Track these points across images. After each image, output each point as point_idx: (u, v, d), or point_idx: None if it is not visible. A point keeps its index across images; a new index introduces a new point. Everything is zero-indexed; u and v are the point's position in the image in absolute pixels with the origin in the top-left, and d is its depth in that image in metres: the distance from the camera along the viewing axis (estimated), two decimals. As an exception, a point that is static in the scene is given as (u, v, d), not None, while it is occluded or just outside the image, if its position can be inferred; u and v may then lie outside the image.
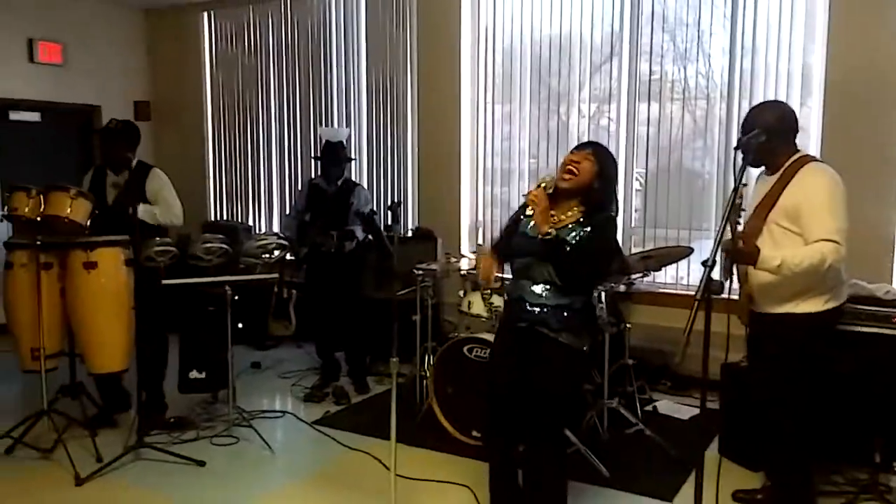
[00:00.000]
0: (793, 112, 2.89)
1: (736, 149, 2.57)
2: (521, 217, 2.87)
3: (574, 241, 2.69)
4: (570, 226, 2.73)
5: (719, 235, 2.21)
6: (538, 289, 2.75)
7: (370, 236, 4.70)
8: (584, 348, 2.78)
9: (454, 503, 3.20)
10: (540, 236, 2.68)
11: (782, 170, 2.81)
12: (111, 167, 4.07)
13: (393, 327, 3.00)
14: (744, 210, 2.47)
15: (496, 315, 3.83)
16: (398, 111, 6.12)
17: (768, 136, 2.67)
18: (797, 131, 2.87)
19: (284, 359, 5.68)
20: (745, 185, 2.33)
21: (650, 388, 4.69)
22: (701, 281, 2.09)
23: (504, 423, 2.93)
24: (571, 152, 2.79)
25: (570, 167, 2.73)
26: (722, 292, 2.13)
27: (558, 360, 2.73)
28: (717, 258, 2.18)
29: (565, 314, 2.72)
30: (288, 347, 5.93)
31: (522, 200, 2.86)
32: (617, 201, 2.89)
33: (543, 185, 2.72)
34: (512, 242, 2.86)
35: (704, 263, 2.09)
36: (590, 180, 2.72)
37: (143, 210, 3.85)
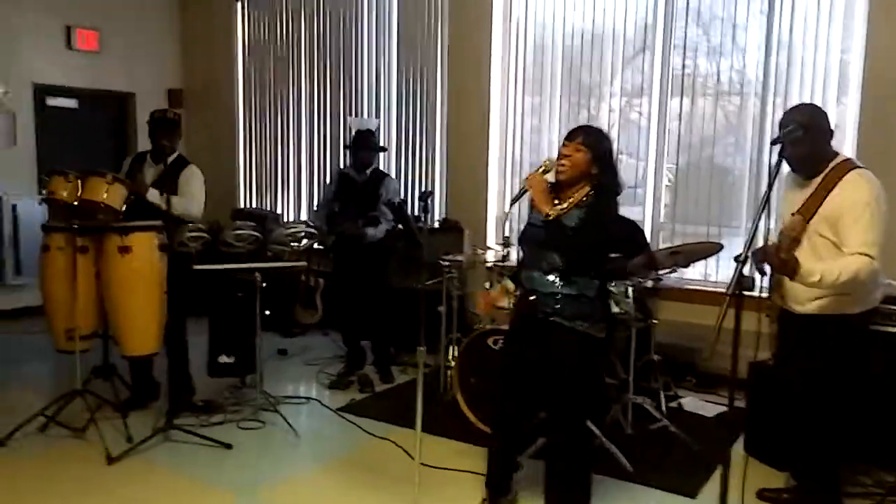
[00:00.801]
0: (825, 114, 2.83)
1: (773, 143, 2.53)
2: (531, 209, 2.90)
3: (574, 224, 2.72)
4: (572, 211, 2.76)
5: (752, 232, 2.19)
6: (549, 278, 2.78)
7: (400, 226, 4.73)
8: (601, 335, 2.79)
9: (476, 492, 3.22)
10: (541, 220, 2.73)
11: (823, 175, 2.74)
12: (155, 157, 4.13)
13: (419, 317, 3.02)
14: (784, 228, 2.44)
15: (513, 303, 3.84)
16: (428, 102, 6.13)
17: (805, 130, 2.64)
18: (832, 133, 2.82)
19: (310, 346, 5.75)
20: (800, 214, 2.27)
21: (675, 385, 4.66)
22: (733, 277, 2.07)
23: (513, 414, 2.98)
24: (563, 143, 2.81)
25: (562, 161, 2.76)
26: (753, 288, 2.11)
27: (575, 348, 2.75)
28: (749, 255, 2.17)
29: (579, 302, 2.75)
30: (314, 335, 5.99)
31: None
32: (619, 175, 2.87)
33: (543, 168, 2.79)
34: (523, 233, 2.90)
35: (737, 259, 2.08)
36: (586, 168, 2.75)
37: (152, 196, 3.91)
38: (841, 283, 2.56)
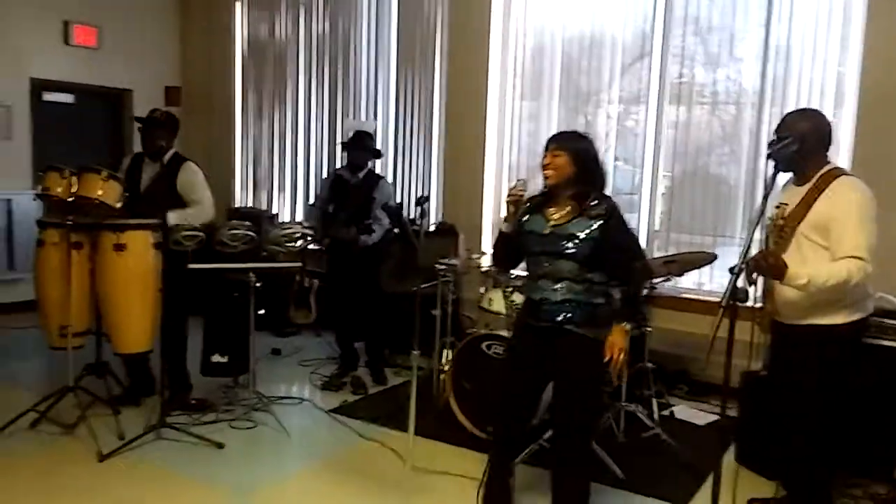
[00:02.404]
0: (829, 124, 2.85)
1: (767, 157, 2.55)
2: (526, 216, 2.89)
3: (584, 234, 2.72)
4: (573, 220, 2.77)
5: (747, 243, 2.20)
6: (559, 286, 2.77)
7: (396, 229, 4.73)
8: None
9: (468, 497, 3.21)
10: (546, 229, 2.76)
11: (812, 182, 2.77)
12: (151, 156, 4.13)
13: (414, 321, 3.03)
14: (770, 219, 2.46)
15: (516, 312, 3.84)
16: (425, 106, 6.13)
17: (801, 145, 2.66)
18: (830, 144, 2.84)
19: (304, 347, 5.74)
20: (784, 204, 2.30)
21: (668, 393, 4.67)
22: (727, 288, 2.08)
23: (517, 424, 2.98)
24: (543, 155, 2.86)
25: (546, 171, 2.82)
26: (747, 300, 2.12)
27: (586, 353, 2.75)
28: (744, 265, 2.18)
29: (588, 309, 2.76)
30: (307, 336, 5.99)
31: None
32: (602, 171, 2.89)
33: (519, 189, 2.86)
34: (521, 242, 2.89)
35: (731, 270, 2.09)
36: (569, 171, 2.78)
37: (174, 217, 3.87)
38: (829, 287, 2.57)
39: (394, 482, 3.35)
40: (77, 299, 3.75)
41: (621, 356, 2.71)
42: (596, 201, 2.78)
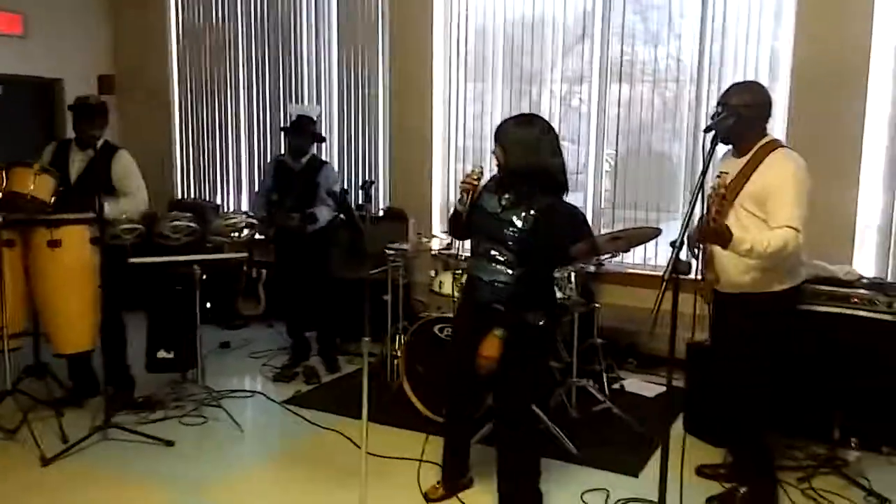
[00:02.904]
0: (769, 98, 2.91)
1: (706, 130, 2.60)
2: (482, 195, 2.91)
3: (520, 225, 2.77)
4: (515, 209, 2.81)
5: (687, 217, 2.25)
6: (493, 266, 2.83)
7: (342, 215, 4.68)
8: (540, 323, 2.82)
9: (426, 481, 3.23)
10: (494, 210, 2.80)
11: (751, 154, 2.85)
12: (80, 144, 3.98)
13: (364, 307, 3.01)
14: (712, 188, 2.50)
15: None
16: (369, 89, 6.06)
17: (738, 118, 2.72)
18: (769, 116, 2.91)
19: (254, 338, 5.64)
20: (725, 173, 2.35)
21: (618, 367, 4.76)
22: (669, 261, 2.12)
23: (465, 401, 3.04)
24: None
25: (496, 160, 2.86)
26: (689, 272, 2.17)
27: (512, 335, 2.77)
28: (685, 238, 2.22)
29: (517, 290, 2.80)
30: (257, 327, 5.89)
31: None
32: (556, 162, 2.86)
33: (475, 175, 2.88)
34: (472, 219, 2.91)
35: (672, 244, 2.13)
36: (506, 163, 2.81)
37: (109, 209, 3.76)
38: (769, 253, 2.65)
39: (350, 470, 3.31)
40: (11, 299, 3.60)
41: (486, 361, 2.76)
42: (536, 196, 2.79)
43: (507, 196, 2.85)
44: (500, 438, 3.04)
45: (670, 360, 2.27)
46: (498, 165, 2.87)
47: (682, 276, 2.16)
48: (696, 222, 2.59)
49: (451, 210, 3.04)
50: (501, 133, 2.84)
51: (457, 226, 3.00)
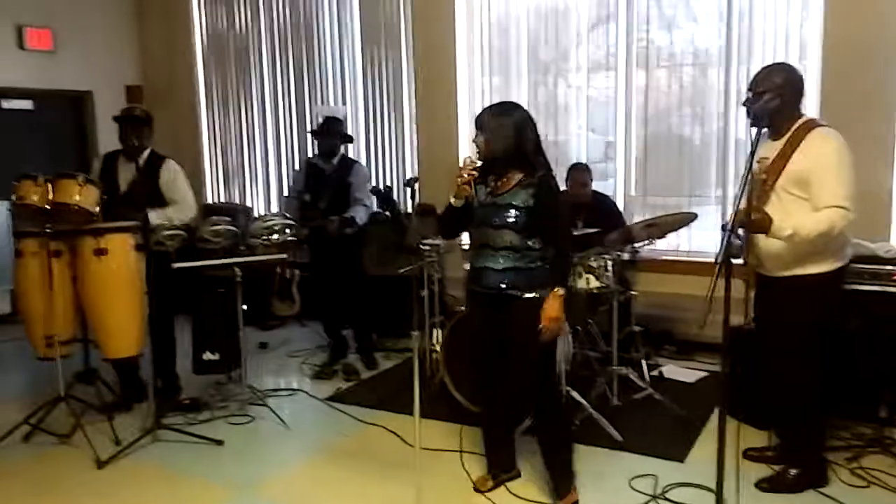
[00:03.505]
0: (800, 75, 2.91)
1: (749, 114, 2.59)
2: (476, 187, 2.93)
3: (520, 203, 2.82)
4: (511, 190, 2.86)
5: (738, 201, 2.25)
6: (501, 254, 2.87)
7: (387, 212, 4.73)
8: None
9: (473, 472, 3.27)
10: (488, 200, 2.84)
11: (788, 135, 2.83)
12: (127, 154, 4.04)
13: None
14: (752, 174, 2.50)
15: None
16: (394, 87, 6.10)
17: (781, 99, 2.71)
18: (803, 95, 2.90)
19: (290, 338, 5.72)
20: (765, 158, 2.34)
21: (655, 354, 4.77)
22: (721, 245, 2.12)
23: (492, 388, 3.09)
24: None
25: (477, 148, 2.89)
26: (741, 256, 2.17)
27: (528, 313, 2.84)
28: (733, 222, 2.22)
29: (529, 273, 2.86)
30: (292, 327, 5.97)
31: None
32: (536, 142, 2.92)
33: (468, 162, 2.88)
34: (473, 212, 2.94)
35: (724, 228, 2.13)
36: (491, 149, 2.85)
37: (155, 216, 3.84)
38: (813, 237, 2.64)
39: (399, 464, 3.38)
40: (61, 308, 3.69)
41: (553, 323, 2.81)
42: (530, 172, 2.85)
43: (497, 181, 2.90)
44: (537, 423, 3.11)
45: (725, 345, 2.27)
46: (479, 153, 2.89)
47: (734, 260, 2.16)
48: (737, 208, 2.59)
49: (443, 209, 3.04)
50: (483, 121, 2.88)
51: (451, 222, 3.03)
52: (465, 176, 2.81)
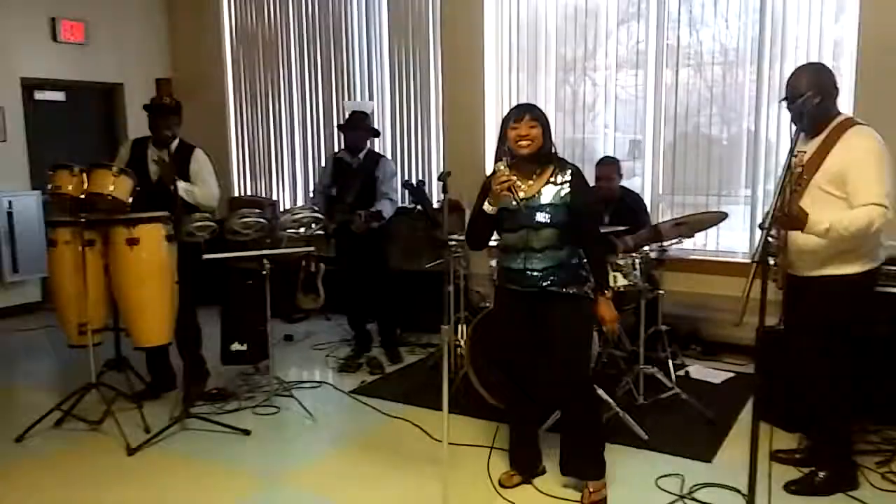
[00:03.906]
0: (831, 73, 2.89)
1: (793, 113, 2.57)
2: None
3: (560, 200, 2.84)
4: (543, 189, 2.87)
5: (775, 199, 2.22)
6: (541, 254, 2.88)
7: (419, 206, 4.74)
8: (588, 293, 2.95)
9: (497, 467, 3.27)
10: (518, 203, 2.78)
11: (825, 133, 2.80)
12: (157, 143, 4.08)
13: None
14: (788, 168, 2.47)
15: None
16: (422, 83, 6.11)
17: (820, 97, 2.69)
18: (837, 92, 2.87)
19: (315, 331, 5.77)
20: (802, 152, 2.31)
21: (681, 354, 4.74)
22: (759, 244, 2.10)
23: (522, 387, 3.10)
24: (512, 126, 2.86)
25: (522, 142, 2.84)
26: (778, 255, 2.15)
27: (572, 309, 2.90)
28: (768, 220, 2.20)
29: (567, 270, 2.90)
30: (317, 320, 6.01)
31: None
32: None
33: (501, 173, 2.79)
34: (502, 220, 2.93)
35: (761, 226, 2.11)
36: (541, 142, 2.86)
37: (182, 187, 3.88)
38: (850, 233, 2.61)
39: (424, 458, 3.39)
40: (93, 296, 3.75)
41: (615, 324, 2.96)
42: (560, 167, 2.89)
43: (524, 183, 2.89)
44: (566, 413, 3.11)
45: (758, 347, 2.25)
46: (522, 149, 2.83)
47: (771, 259, 2.14)
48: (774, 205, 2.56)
49: (471, 216, 3.02)
50: (537, 111, 2.88)
51: (484, 232, 3.00)
52: (504, 181, 2.75)
